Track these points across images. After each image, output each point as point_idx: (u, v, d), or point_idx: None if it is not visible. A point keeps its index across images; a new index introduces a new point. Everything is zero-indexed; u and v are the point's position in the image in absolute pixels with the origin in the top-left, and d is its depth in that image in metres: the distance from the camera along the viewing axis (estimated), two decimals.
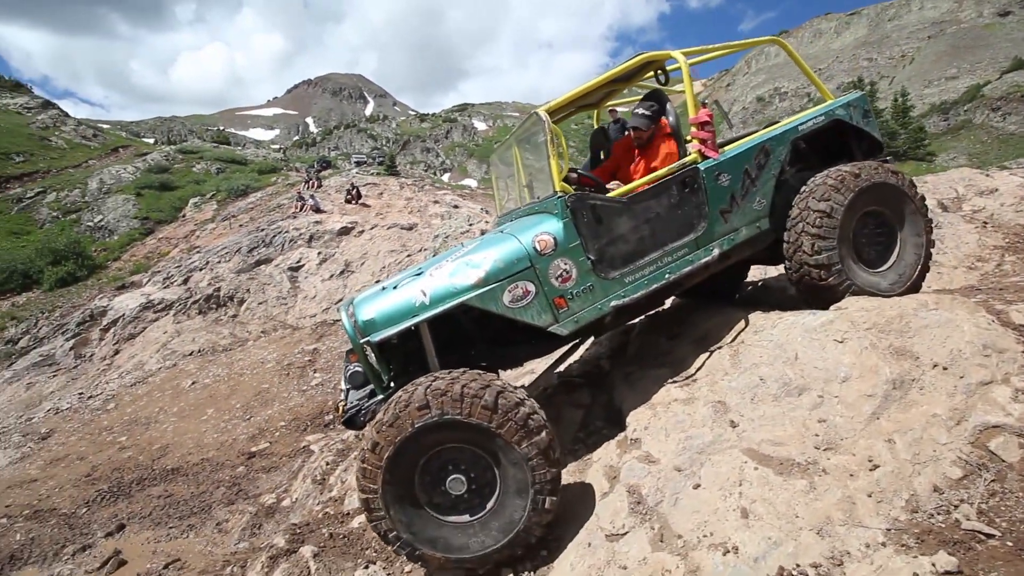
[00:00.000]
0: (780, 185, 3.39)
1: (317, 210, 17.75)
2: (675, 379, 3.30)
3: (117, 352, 10.56)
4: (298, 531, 3.47)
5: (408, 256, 14.93)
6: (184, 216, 23.13)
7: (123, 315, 11.41)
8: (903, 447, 2.24)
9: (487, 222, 14.84)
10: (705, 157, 3.21)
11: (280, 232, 14.90)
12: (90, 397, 8.87)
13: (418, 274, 3.05)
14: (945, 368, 2.49)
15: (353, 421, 2.97)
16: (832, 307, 3.11)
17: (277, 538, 3.26)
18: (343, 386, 3.18)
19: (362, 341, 2.85)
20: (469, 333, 3.31)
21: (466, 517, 2.59)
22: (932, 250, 3.48)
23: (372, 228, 16.19)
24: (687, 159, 3.24)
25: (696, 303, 4.39)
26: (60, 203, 26.06)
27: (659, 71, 3.69)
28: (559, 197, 2.99)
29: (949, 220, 5.70)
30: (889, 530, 1.96)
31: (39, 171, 31.39)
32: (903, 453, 2.22)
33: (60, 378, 10.10)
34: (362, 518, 3.63)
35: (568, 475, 3.12)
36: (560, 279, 2.98)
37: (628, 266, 3.09)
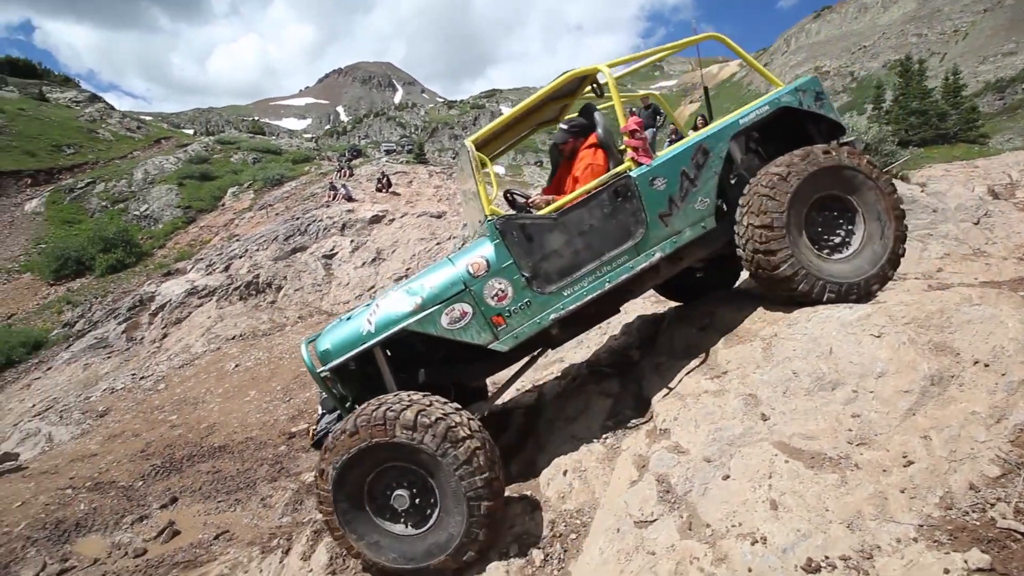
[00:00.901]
0: (734, 181, 3.43)
1: (349, 199, 18.10)
2: (705, 371, 3.31)
3: (165, 335, 11.13)
4: None
5: (437, 244, 15.12)
6: (223, 205, 23.93)
7: (170, 300, 12.00)
8: (939, 444, 2.23)
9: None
10: (639, 164, 3.26)
11: (314, 221, 15.29)
12: (142, 378, 9.41)
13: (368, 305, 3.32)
14: (987, 365, 2.45)
15: (321, 443, 3.21)
16: (870, 301, 3.07)
17: (320, 514, 3.44)
18: (319, 411, 3.46)
19: (318, 371, 3.16)
20: (424, 355, 3.47)
21: (412, 530, 2.82)
22: (904, 232, 3.30)
23: (402, 216, 16.44)
24: (619, 168, 3.28)
25: (728, 295, 4.36)
26: (108, 193, 27.31)
27: (594, 84, 3.76)
28: (488, 220, 3.14)
29: (1000, 208, 5.46)
30: (921, 526, 1.97)
31: (88, 162, 32.90)
32: (939, 450, 2.21)
33: (114, 359, 10.73)
34: None
35: (596, 463, 3.20)
36: (496, 298, 3.13)
37: (565, 279, 3.18)
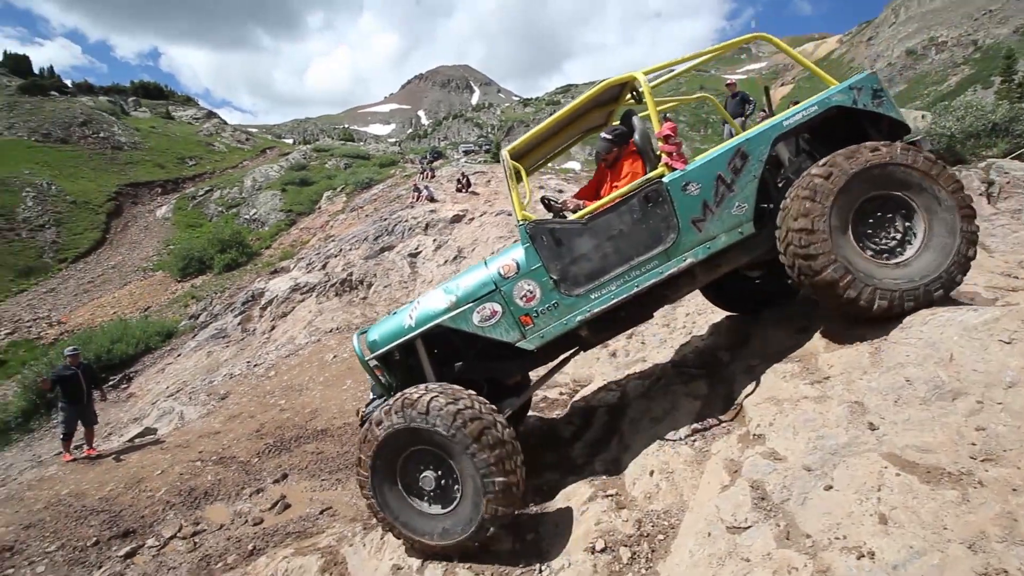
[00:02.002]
0: (782, 184, 3.30)
1: (431, 200, 18.85)
2: (804, 375, 3.16)
3: (273, 328, 12.30)
4: None
5: (514, 241, 15.35)
6: (319, 208, 25.83)
7: (276, 296, 13.22)
8: None
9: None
10: (673, 169, 3.21)
11: (400, 221, 16.10)
12: (255, 365, 10.48)
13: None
14: None
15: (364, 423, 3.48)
16: (999, 303, 2.77)
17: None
18: (370, 395, 3.78)
19: (365, 359, 3.51)
20: (462, 351, 3.67)
21: (438, 508, 3.09)
22: (973, 233, 2.93)
23: (481, 215, 16.85)
24: (652, 174, 3.26)
25: None
26: (223, 199, 30.44)
27: (633, 91, 3.72)
28: (520, 224, 3.29)
29: None
30: None
31: (206, 172, 36.86)
32: None
33: (232, 348, 12.03)
34: None
35: (684, 465, 3.16)
36: (524, 299, 3.28)
37: (592, 283, 3.24)
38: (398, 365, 3.63)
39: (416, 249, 14.87)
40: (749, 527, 2.45)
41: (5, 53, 59.88)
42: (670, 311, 6.57)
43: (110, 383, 12.23)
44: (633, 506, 3.07)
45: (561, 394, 5.84)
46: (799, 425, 2.81)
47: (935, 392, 2.50)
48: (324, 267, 14.90)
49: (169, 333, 15.25)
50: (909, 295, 2.89)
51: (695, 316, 6.16)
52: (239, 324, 12.96)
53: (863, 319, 3.02)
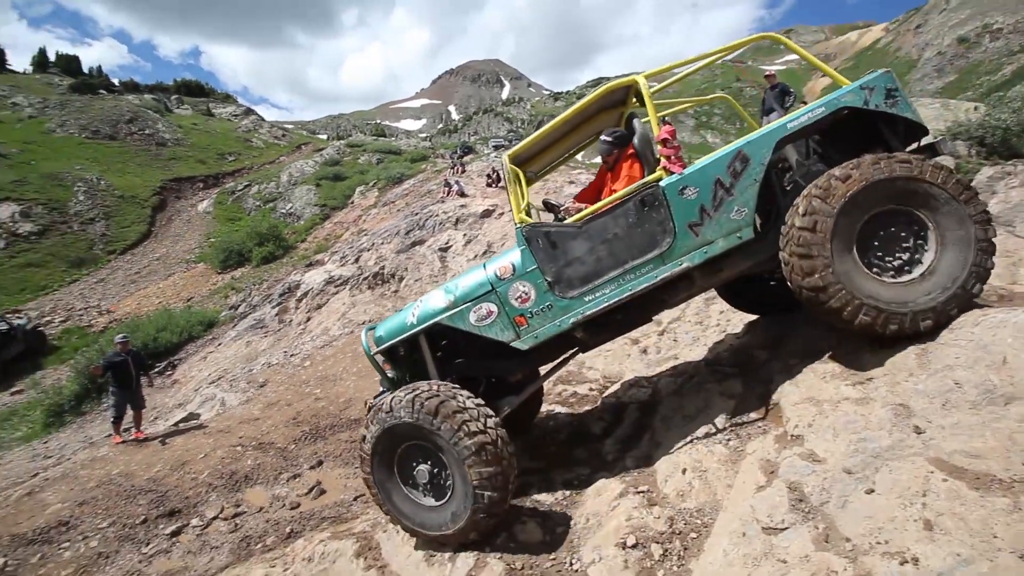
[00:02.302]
0: (790, 188, 3.25)
1: (462, 194, 18.96)
2: (846, 376, 3.08)
3: (309, 319, 12.65)
4: None
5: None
6: (352, 203, 26.33)
7: (312, 288, 13.58)
8: None
9: None
10: (671, 173, 3.18)
11: (431, 216, 16.27)
12: (292, 355, 10.81)
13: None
14: None
15: None
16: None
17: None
18: (380, 388, 3.92)
19: (371, 353, 3.66)
20: (463, 349, 3.74)
21: (432, 500, 3.24)
22: (990, 244, 2.77)
23: (511, 210, 16.88)
24: (649, 177, 3.25)
25: None
26: (261, 194, 31.36)
27: (636, 95, 3.69)
28: (517, 227, 3.36)
29: None
30: None
31: (245, 168, 38.00)
32: None
33: (270, 338, 12.43)
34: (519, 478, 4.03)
35: (718, 464, 3.13)
36: (519, 300, 3.35)
37: (586, 286, 3.26)
38: (403, 360, 3.77)
39: (446, 243, 15.01)
40: (786, 528, 2.41)
41: (57, 54, 62.98)
42: (703, 308, 6.47)
43: (156, 370, 12.81)
44: (665, 503, 3.06)
45: (591, 390, 5.83)
46: (840, 427, 2.75)
47: (986, 396, 2.41)
48: (357, 260, 15.21)
49: (210, 323, 15.85)
50: (920, 316, 2.78)
51: (729, 314, 6.04)
52: (276, 315, 13.37)
53: (868, 336, 2.93)
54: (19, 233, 25.63)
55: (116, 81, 57.17)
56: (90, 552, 5.50)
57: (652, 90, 3.60)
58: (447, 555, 3.18)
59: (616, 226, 3.23)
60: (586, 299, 3.28)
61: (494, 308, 3.40)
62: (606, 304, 3.24)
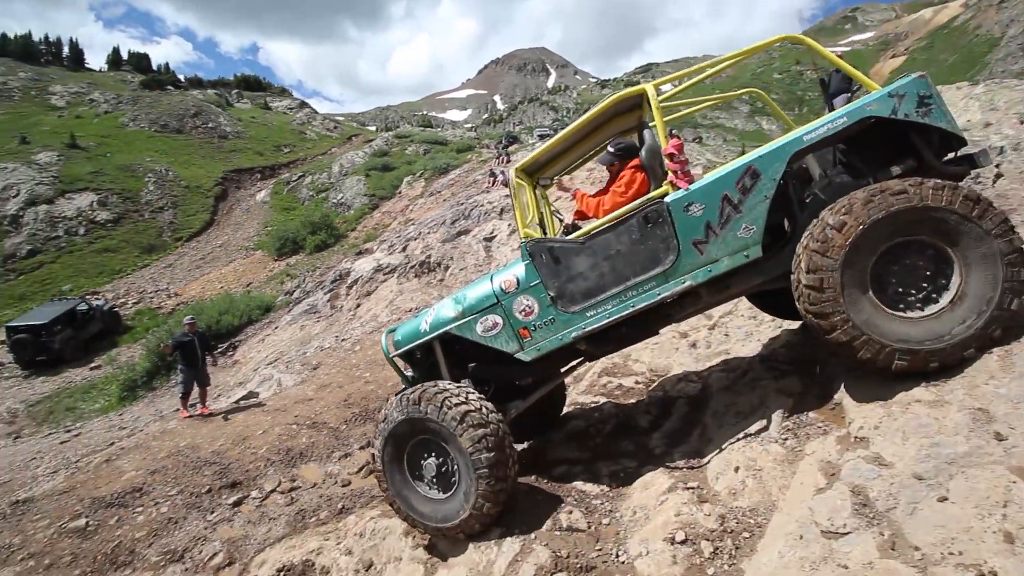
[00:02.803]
0: (809, 200, 3.10)
1: (507, 184, 19.00)
2: (918, 377, 2.90)
3: (359, 305, 13.07)
4: None
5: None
6: (400, 193, 26.87)
7: (361, 276, 14.01)
8: None
9: None
10: (676, 188, 3.08)
11: (476, 206, 16.39)
12: (343, 340, 11.22)
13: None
14: None
15: None
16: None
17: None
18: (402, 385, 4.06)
19: (390, 355, 3.89)
20: (475, 354, 3.77)
21: (438, 493, 3.39)
22: (1019, 282, 2.53)
23: (555, 200, 16.77)
24: (654, 193, 3.18)
25: None
26: (314, 184, 32.47)
27: (647, 103, 3.50)
28: (522, 242, 3.41)
29: None
30: None
31: (299, 159, 39.44)
32: None
33: (322, 323, 12.94)
34: (564, 468, 4.04)
35: (774, 463, 3.03)
36: (523, 313, 3.41)
37: (589, 301, 3.26)
38: (420, 362, 3.96)
39: (491, 233, 15.09)
40: (848, 533, 2.31)
41: (129, 52, 67.18)
42: None
43: (219, 350, 13.59)
44: (716, 501, 2.99)
45: (637, 383, 5.74)
46: (910, 430, 2.59)
47: None
48: (404, 249, 15.54)
49: (268, 307, 16.64)
50: (934, 354, 2.62)
51: None
52: (328, 301, 13.88)
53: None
54: (97, 221, 27.67)
55: (182, 77, 60.40)
56: (161, 517, 5.93)
57: (668, 94, 3.50)
58: (493, 539, 3.24)
59: (619, 242, 3.20)
60: (588, 314, 3.28)
61: (499, 320, 3.48)
62: (607, 320, 3.24)
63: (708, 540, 2.75)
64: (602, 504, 3.44)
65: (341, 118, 79.01)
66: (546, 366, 3.69)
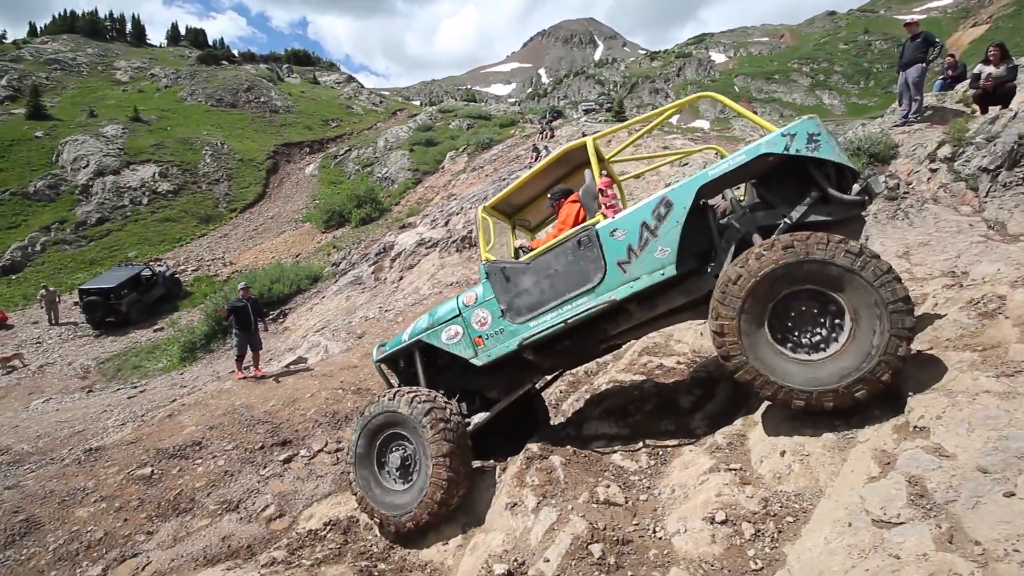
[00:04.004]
0: (723, 230, 3.46)
1: None
2: (987, 367, 2.72)
3: (401, 278, 13.35)
4: (545, 444, 4.06)
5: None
6: (443, 168, 26.98)
7: (404, 249, 14.26)
8: None
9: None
10: (606, 217, 3.57)
11: None
12: (386, 311, 11.52)
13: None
14: None
15: None
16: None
17: (533, 444, 3.89)
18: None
19: (375, 361, 4.63)
20: (450, 365, 4.39)
21: (399, 484, 3.83)
22: (904, 330, 2.69)
23: (642, 172, 16.43)
24: (589, 221, 3.66)
25: None
26: (360, 159, 33.04)
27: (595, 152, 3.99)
28: (481, 265, 3.99)
29: None
30: None
31: (346, 133, 40.10)
32: None
33: (366, 294, 13.31)
34: (602, 443, 4.05)
35: (823, 449, 2.92)
36: (479, 324, 3.95)
37: (531, 313, 3.75)
38: (404, 371, 4.56)
39: None
40: (902, 523, 2.22)
41: (187, 28, 69.44)
42: None
43: (270, 317, 14.23)
44: (759, 484, 2.92)
45: (679, 363, 5.64)
46: (976, 421, 2.45)
47: None
48: (446, 224, 15.68)
49: (316, 277, 17.24)
50: (826, 395, 2.82)
51: None
52: (372, 273, 14.23)
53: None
54: (159, 191, 29.20)
55: (236, 52, 62.09)
56: (218, 469, 6.34)
57: (612, 154, 4.31)
58: (530, 506, 3.30)
59: (557, 263, 3.68)
60: (531, 325, 3.75)
61: (460, 329, 4.03)
62: (547, 328, 3.69)
63: (749, 522, 2.70)
64: (640, 480, 3.44)
65: (386, 92, 79.54)
66: (508, 380, 4.22)
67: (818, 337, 2.93)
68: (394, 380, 4.69)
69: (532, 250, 3.95)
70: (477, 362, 3.96)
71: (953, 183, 7.15)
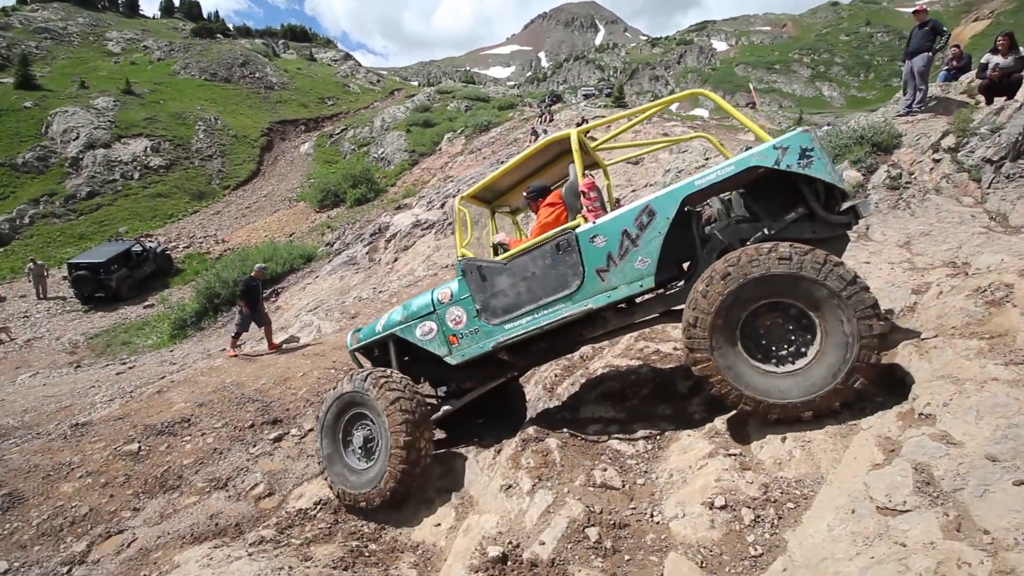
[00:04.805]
0: (706, 240, 3.39)
1: None
2: (994, 354, 2.66)
3: (396, 259, 13.20)
4: (541, 426, 4.00)
5: (633, 191, 14.67)
6: (440, 149, 26.64)
7: (400, 231, 14.09)
8: None
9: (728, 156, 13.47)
10: (587, 221, 3.42)
11: None
12: (380, 291, 11.40)
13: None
14: None
15: None
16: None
17: (529, 427, 3.83)
18: None
19: (350, 349, 4.56)
20: (421, 357, 4.34)
21: (361, 463, 3.86)
22: (872, 340, 2.66)
23: (631, 157, 16.24)
24: (569, 224, 3.51)
25: None
26: (356, 138, 32.56)
27: (583, 137, 3.89)
28: (457, 260, 3.89)
29: None
30: None
31: (342, 112, 39.46)
32: None
33: (360, 275, 13.16)
34: (598, 426, 3.99)
35: (825, 436, 2.87)
36: (454, 322, 3.88)
37: (507, 315, 3.67)
38: (378, 359, 4.53)
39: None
40: (908, 511, 2.17)
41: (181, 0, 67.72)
42: None
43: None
44: (760, 469, 2.87)
45: (675, 349, 5.58)
46: (984, 409, 2.40)
47: None
48: (442, 206, 15.49)
49: (309, 257, 17.05)
50: (794, 407, 2.83)
51: None
52: (367, 254, 14.07)
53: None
54: (150, 166, 28.68)
55: (231, 26, 60.72)
56: (207, 447, 6.26)
57: (598, 143, 4.12)
58: (525, 488, 3.24)
59: (535, 266, 3.56)
60: (506, 327, 3.68)
61: (434, 326, 3.98)
62: (522, 332, 3.61)
63: (749, 507, 2.65)
64: (637, 464, 3.38)
65: (384, 72, 78.29)
66: (480, 374, 4.17)
67: (787, 350, 2.91)
68: (368, 366, 4.65)
69: (509, 248, 3.85)
70: (451, 360, 3.93)
71: (956, 173, 7.07)
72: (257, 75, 42.72)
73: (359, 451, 3.90)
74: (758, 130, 3.36)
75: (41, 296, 18.51)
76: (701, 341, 2.93)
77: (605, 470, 3.28)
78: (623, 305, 3.63)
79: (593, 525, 2.80)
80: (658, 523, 2.80)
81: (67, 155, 27.77)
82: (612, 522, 2.83)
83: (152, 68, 41.92)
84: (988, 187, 6.67)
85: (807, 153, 2.98)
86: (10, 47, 39.51)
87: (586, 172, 3.62)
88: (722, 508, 2.69)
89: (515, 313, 3.64)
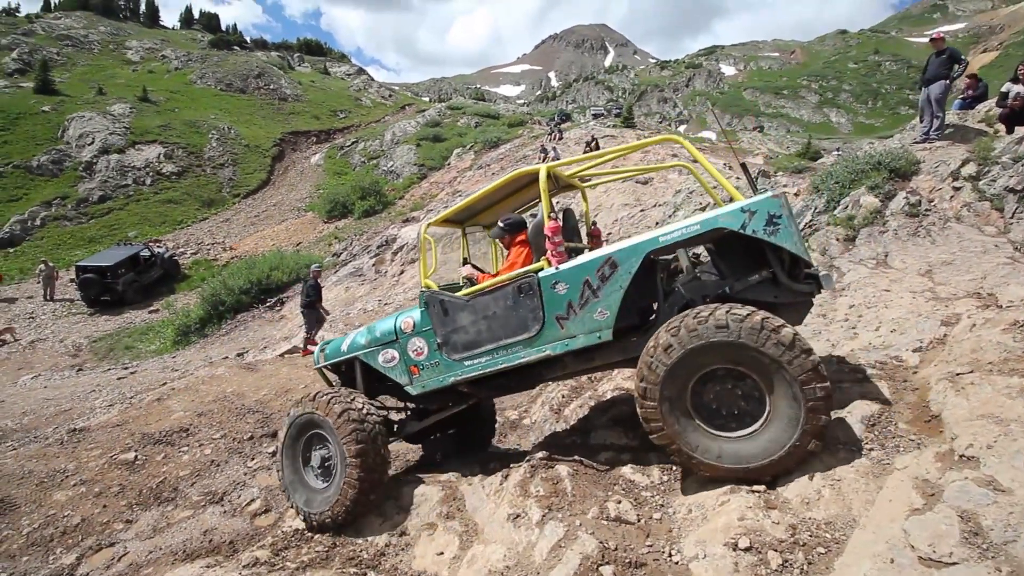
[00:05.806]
0: (668, 293, 3.42)
1: (557, 160, 18.56)
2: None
3: (403, 272, 13.13)
4: (550, 452, 3.84)
5: (642, 211, 14.59)
6: (449, 164, 26.77)
7: (407, 243, 14.04)
8: None
9: (737, 178, 13.39)
10: (550, 265, 3.39)
11: None
12: (386, 304, 11.31)
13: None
14: None
15: None
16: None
17: (537, 452, 3.67)
18: None
19: (317, 366, 4.56)
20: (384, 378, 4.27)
21: (319, 482, 3.85)
22: (820, 402, 2.65)
23: (608, 181, 16.21)
24: (532, 266, 3.48)
25: None
26: (366, 151, 32.82)
27: (551, 175, 3.87)
28: (421, 292, 3.88)
29: None
30: None
31: (354, 125, 39.89)
32: None
33: (366, 286, 13.09)
34: (610, 453, 3.83)
35: (856, 475, 2.71)
36: (415, 352, 3.87)
37: (467, 352, 3.65)
38: (345, 375, 4.50)
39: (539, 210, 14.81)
40: (954, 564, 2.00)
41: (200, 11, 69.22)
42: (828, 300, 5.75)
43: (267, 304, 13.99)
44: (786, 509, 2.70)
45: None
46: None
47: None
48: None
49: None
50: (756, 471, 2.81)
51: (861, 308, 5.31)
52: (373, 265, 14.02)
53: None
54: (163, 172, 28.96)
55: (248, 39, 61.89)
56: (204, 458, 6.11)
57: (574, 171, 4.15)
58: (535, 519, 3.07)
59: (497, 306, 3.53)
60: (465, 364, 3.67)
61: (396, 355, 3.97)
62: (480, 371, 3.61)
63: (776, 551, 2.48)
64: (652, 497, 3.21)
65: (396, 87, 79.39)
66: (446, 397, 4.14)
67: (736, 414, 2.88)
68: (336, 381, 4.69)
69: (476, 283, 3.83)
70: (412, 391, 3.93)
71: (977, 202, 6.94)
72: (271, 86, 43.36)
73: (317, 470, 3.90)
74: (729, 187, 3.28)
75: (48, 298, 18.52)
76: (653, 411, 2.92)
77: (619, 502, 3.11)
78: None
79: (608, 563, 2.63)
80: (677, 563, 2.63)
81: (81, 159, 28.09)
82: (628, 560, 2.66)
83: (169, 77, 42.65)
84: (1012, 217, 6.53)
85: (774, 220, 2.93)
86: (32, 53, 40.32)
87: (553, 214, 3.52)
88: (747, 550, 2.51)
89: (475, 351, 3.63)
